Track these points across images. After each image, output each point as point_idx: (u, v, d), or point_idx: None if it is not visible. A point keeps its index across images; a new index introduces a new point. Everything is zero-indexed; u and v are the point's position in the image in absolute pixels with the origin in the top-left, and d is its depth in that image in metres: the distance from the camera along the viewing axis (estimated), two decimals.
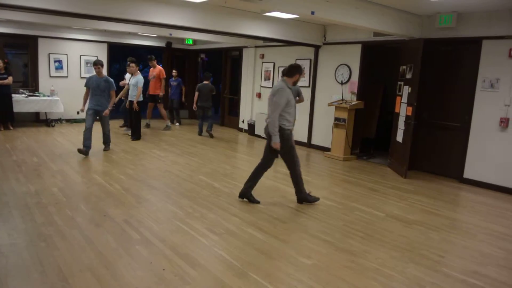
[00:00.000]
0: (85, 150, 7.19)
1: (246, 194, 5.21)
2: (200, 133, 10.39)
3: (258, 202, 5.16)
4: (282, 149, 4.98)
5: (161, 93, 10.61)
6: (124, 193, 5.28)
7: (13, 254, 3.41)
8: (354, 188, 6.13)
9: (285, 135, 4.91)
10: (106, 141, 7.86)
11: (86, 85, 7.41)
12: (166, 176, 6.20)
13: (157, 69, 10.55)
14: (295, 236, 4.17)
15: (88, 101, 7.45)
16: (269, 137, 5.00)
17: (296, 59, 9.69)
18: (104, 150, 7.78)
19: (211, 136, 10.12)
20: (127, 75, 9.77)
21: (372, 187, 6.24)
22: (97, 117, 7.44)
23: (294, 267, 3.46)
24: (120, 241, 3.81)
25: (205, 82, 10.21)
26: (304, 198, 5.24)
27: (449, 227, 4.69)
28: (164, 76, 10.68)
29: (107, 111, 7.43)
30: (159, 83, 10.54)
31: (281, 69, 10.00)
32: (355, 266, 3.54)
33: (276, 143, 4.86)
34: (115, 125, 10.54)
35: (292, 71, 4.99)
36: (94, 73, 7.43)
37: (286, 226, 4.41)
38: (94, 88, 7.33)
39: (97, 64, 7.33)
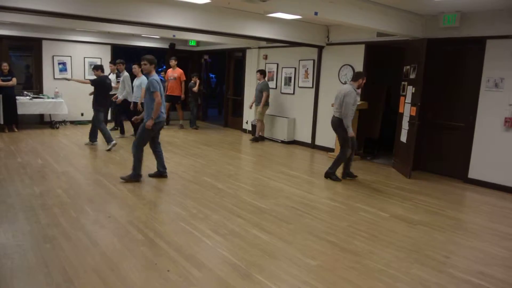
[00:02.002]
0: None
1: (330, 175, 6.57)
2: (192, 125, 11.75)
3: (339, 180, 6.51)
4: (339, 134, 6.47)
5: (182, 95, 11.20)
6: (129, 195, 5.29)
7: (19, 256, 3.43)
8: (358, 189, 6.11)
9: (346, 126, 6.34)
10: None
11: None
12: (170, 177, 6.21)
13: (178, 71, 11.04)
14: (300, 237, 4.16)
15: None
16: (338, 129, 6.44)
17: (299, 60, 9.70)
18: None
19: (182, 127, 11.64)
20: (111, 76, 9.95)
21: (376, 188, 6.23)
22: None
23: (298, 268, 3.46)
24: (124, 242, 3.82)
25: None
26: (330, 175, 6.57)
27: (454, 228, 4.67)
28: (184, 78, 11.20)
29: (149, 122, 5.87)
30: (180, 85, 11.05)
31: (284, 70, 10.11)
32: (360, 267, 3.53)
33: (351, 132, 6.34)
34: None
35: (357, 77, 6.41)
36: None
37: (291, 227, 4.41)
38: None
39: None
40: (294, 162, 8.20)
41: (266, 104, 9.84)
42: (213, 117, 14.62)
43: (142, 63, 5.89)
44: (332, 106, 6.66)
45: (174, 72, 11.03)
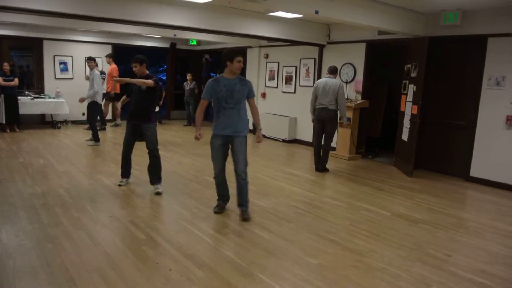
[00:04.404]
0: None
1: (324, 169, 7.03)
2: (189, 123, 12.22)
3: (328, 170, 7.07)
4: (333, 124, 6.92)
5: (112, 91, 10.54)
6: (130, 194, 5.30)
7: (21, 255, 3.43)
8: (360, 187, 6.11)
9: (338, 116, 6.99)
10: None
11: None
12: (171, 177, 6.21)
13: (110, 67, 10.54)
14: (301, 235, 4.16)
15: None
16: (334, 120, 6.90)
17: (300, 59, 9.70)
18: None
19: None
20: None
21: (377, 186, 6.22)
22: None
23: (300, 266, 3.46)
24: (126, 241, 3.83)
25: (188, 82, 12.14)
26: (324, 168, 7.02)
27: (455, 226, 4.67)
28: (115, 74, 10.44)
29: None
30: (110, 81, 10.35)
31: (285, 69, 10.11)
32: (362, 266, 3.53)
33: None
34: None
35: (336, 71, 7.04)
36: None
37: (292, 226, 4.41)
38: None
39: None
40: (295, 161, 8.19)
41: None
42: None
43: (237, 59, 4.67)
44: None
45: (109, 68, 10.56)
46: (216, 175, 4.63)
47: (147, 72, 5.40)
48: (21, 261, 3.34)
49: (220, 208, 4.73)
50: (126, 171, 5.72)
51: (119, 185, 5.63)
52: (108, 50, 11.77)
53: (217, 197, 4.80)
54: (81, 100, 8.61)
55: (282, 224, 4.44)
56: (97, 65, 9.01)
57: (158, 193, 5.28)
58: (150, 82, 5.19)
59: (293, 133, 9.99)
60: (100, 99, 8.78)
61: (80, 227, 4.10)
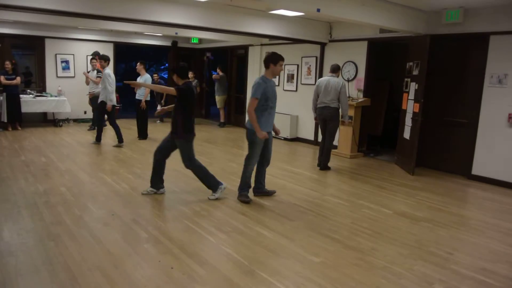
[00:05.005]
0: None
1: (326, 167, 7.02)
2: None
3: (329, 168, 7.03)
4: (334, 123, 6.87)
5: None
6: (132, 192, 5.30)
7: (23, 253, 3.44)
8: (361, 186, 6.11)
9: (339, 115, 6.96)
10: None
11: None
12: (173, 175, 6.22)
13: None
14: (303, 234, 4.16)
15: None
16: (336, 119, 6.87)
17: (302, 57, 9.69)
18: None
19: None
20: (94, 73, 9.43)
21: (379, 185, 6.22)
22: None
23: (302, 265, 3.46)
24: (128, 240, 3.83)
25: (190, 80, 11.63)
26: (326, 166, 7.00)
27: (457, 224, 4.66)
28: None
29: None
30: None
31: (287, 67, 10.07)
32: (363, 264, 3.53)
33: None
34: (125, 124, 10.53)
35: (338, 69, 6.99)
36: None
37: (293, 224, 4.41)
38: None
39: None
40: (297, 159, 8.19)
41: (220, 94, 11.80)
42: (216, 114, 14.60)
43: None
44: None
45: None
46: (255, 164, 5.15)
47: (183, 81, 4.84)
48: (23, 259, 3.35)
49: (248, 197, 5.12)
50: (151, 178, 5.22)
51: (142, 193, 5.24)
52: (110, 48, 11.79)
53: (242, 187, 5.14)
54: (109, 108, 8.09)
55: (283, 222, 4.44)
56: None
57: (209, 199, 5.13)
58: (170, 89, 4.69)
59: (294, 131, 9.99)
60: (111, 100, 8.14)
61: (82, 226, 4.11)
